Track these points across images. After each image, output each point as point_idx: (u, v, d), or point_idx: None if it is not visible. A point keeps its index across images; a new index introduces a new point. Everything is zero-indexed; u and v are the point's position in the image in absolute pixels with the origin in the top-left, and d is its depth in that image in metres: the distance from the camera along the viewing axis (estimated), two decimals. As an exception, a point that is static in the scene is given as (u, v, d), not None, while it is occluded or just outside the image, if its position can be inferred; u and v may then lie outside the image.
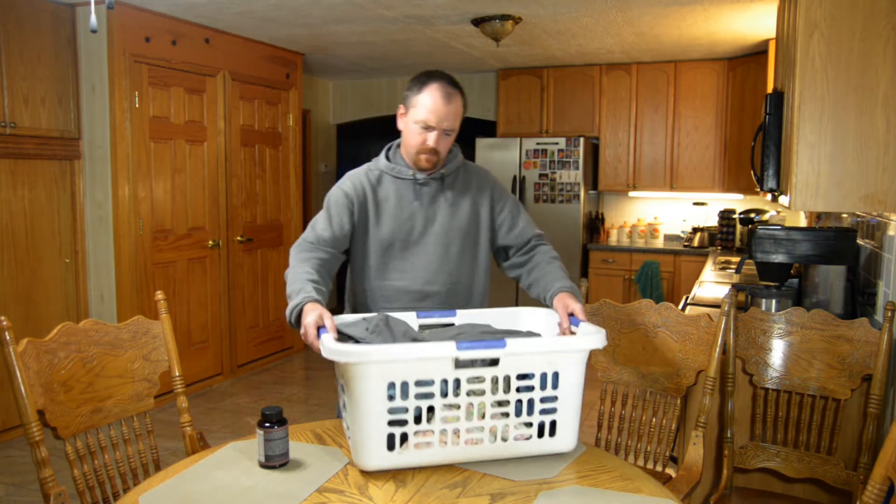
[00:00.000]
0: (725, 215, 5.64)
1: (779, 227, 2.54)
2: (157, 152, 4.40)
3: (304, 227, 5.85)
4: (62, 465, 1.98)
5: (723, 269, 4.46)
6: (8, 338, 1.57)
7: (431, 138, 1.89)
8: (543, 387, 1.53)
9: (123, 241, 4.20)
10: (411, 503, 1.39)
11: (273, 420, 1.53)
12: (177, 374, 1.97)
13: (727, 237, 5.62)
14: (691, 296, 3.41)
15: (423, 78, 1.91)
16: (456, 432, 1.52)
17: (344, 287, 2.12)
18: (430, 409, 1.50)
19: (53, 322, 2.31)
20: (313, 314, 1.63)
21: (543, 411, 1.55)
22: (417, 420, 1.50)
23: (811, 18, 2.06)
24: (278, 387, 4.98)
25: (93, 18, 2.01)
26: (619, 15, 4.27)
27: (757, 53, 5.27)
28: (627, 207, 6.40)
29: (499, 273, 2.11)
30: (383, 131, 8.46)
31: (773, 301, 2.55)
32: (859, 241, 2.71)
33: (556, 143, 5.92)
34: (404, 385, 1.46)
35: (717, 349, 1.97)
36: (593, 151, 6.18)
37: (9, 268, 3.88)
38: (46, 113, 3.97)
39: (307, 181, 6.82)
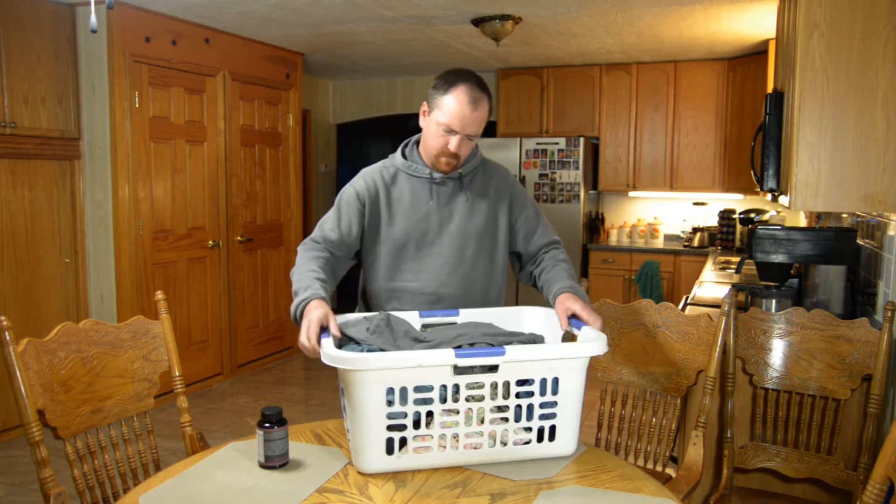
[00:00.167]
0: (725, 215, 5.64)
1: (779, 227, 2.54)
2: (157, 152, 4.40)
3: (304, 227, 5.84)
4: (62, 465, 1.98)
5: (723, 269, 4.46)
6: (8, 338, 1.56)
7: (454, 143, 1.83)
8: (543, 392, 1.53)
9: (123, 241, 4.20)
10: (411, 503, 1.39)
11: (273, 420, 1.53)
12: (177, 374, 1.97)
13: (727, 237, 5.62)
14: (691, 296, 3.41)
15: (452, 78, 1.84)
16: (455, 437, 1.52)
17: (350, 289, 2.10)
18: (430, 414, 1.50)
19: (53, 322, 2.31)
20: (318, 311, 1.61)
21: (543, 416, 1.55)
22: (417, 425, 1.49)
23: (811, 18, 2.06)
24: (278, 387, 4.98)
25: (93, 18, 2.00)
26: (619, 15, 4.27)
27: (757, 53, 5.27)
28: (627, 207, 6.40)
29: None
30: (383, 131, 8.52)
31: (773, 301, 2.55)
32: (859, 241, 2.71)
33: (556, 143, 5.92)
34: (403, 391, 1.45)
35: (717, 349, 1.97)
36: (593, 151, 6.18)
37: (9, 268, 3.88)
38: (46, 113, 3.97)
39: (307, 181, 6.82)
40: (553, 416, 1.55)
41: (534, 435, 1.56)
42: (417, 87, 6.87)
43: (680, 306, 2.89)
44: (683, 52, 5.45)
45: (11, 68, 3.76)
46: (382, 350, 1.67)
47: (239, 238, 5.13)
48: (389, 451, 1.48)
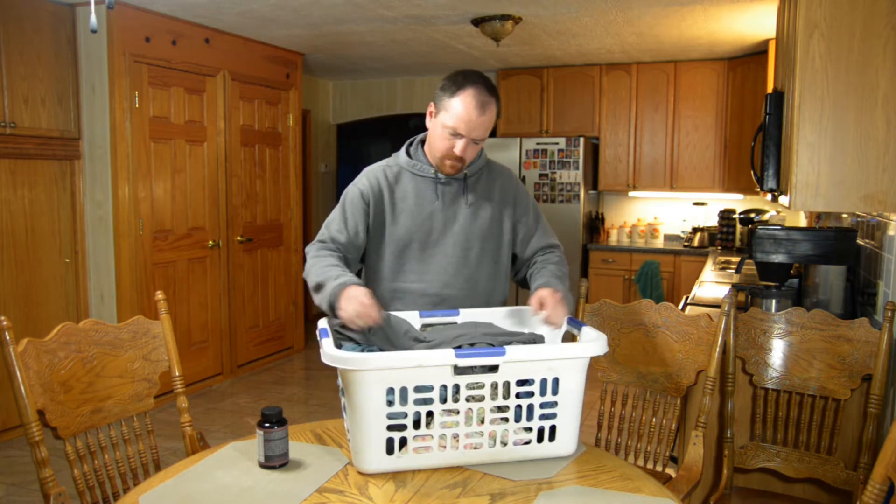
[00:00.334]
0: (725, 215, 5.64)
1: (779, 227, 2.54)
2: (157, 152, 4.40)
3: (304, 227, 5.83)
4: (62, 465, 1.98)
5: (723, 269, 4.46)
6: (8, 338, 1.56)
7: (459, 147, 1.82)
8: (543, 392, 1.53)
9: (123, 241, 4.20)
10: (411, 503, 1.39)
11: (273, 420, 1.53)
12: (177, 374, 1.97)
13: (727, 237, 5.62)
14: (691, 296, 3.41)
15: (460, 80, 1.81)
16: (455, 437, 1.52)
17: None
18: (430, 414, 1.50)
19: (53, 322, 2.31)
20: (368, 296, 1.62)
21: (543, 416, 1.55)
22: (417, 425, 1.49)
23: (811, 18, 2.06)
24: (278, 387, 4.98)
25: (93, 18, 2.00)
26: (619, 15, 4.27)
27: (757, 53, 5.27)
28: (627, 207, 6.40)
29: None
30: (383, 131, 8.51)
31: (773, 301, 2.55)
32: (859, 241, 2.71)
33: (556, 143, 5.92)
34: (403, 391, 1.45)
35: (717, 349, 1.97)
36: (593, 151, 6.18)
37: (9, 268, 3.88)
38: (46, 113, 3.97)
39: (307, 181, 6.82)
40: (553, 416, 1.55)
41: (534, 435, 1.56)
42: (417, 87, 6.87)
43: (680, 306, 2.89)
44: (683, 52, 5.45)
45: (11, 68, 3.76)
46: (382, 350, 1.67)
47: (239, 238, 5.13)
48: (389, 451, 1.48)
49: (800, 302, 2.65)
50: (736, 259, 4.89)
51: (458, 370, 1.46)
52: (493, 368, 1.49)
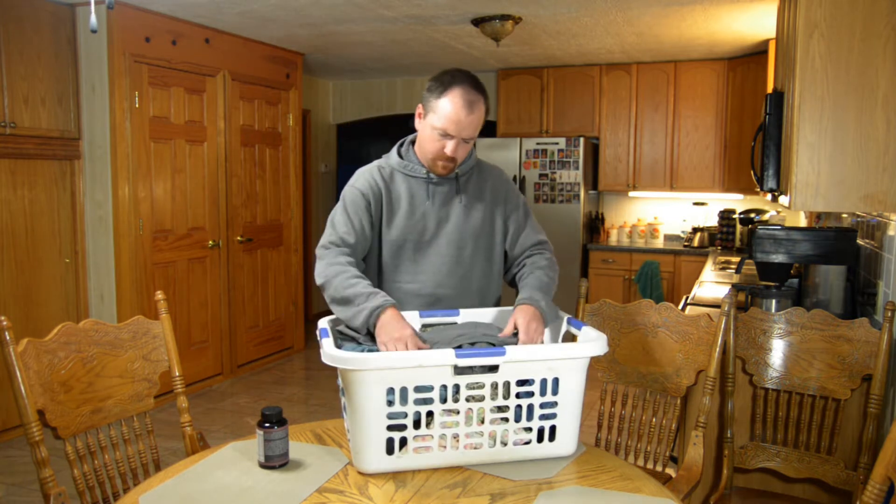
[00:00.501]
0: (725, 215, 5.64)
1: (779, 227, 2.54)
2: (157, 152, 4.40)
3: (304, 227, 5.82)
4: (62, 465, 1.98)
5: (723, 269, 4.46)
6: (8, 338, 1.57)
7: (450, 147, 1.82)
8: (543, 392, 1.53)
9: (123, 241, 4.20)
10: (411, 503, 1.39)
11: (273, 420, 1.53)
12: (177, 374, 1.97)
13: (727, 237, 5.62)
14: (691, 296, 3.41)
15: (446, 80, 1.81)
16: (455, 437, 1.52)
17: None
18: (430, 414, 1.50)
19: (53, 322, 2.31)
20: (406, 326, 1.63)
21: (543, 416, 1.55)
22: (417, 425, 1.50)
23: (811, 18, 2.06)
24: (278, 387, 4.98)
25: (93, 18, 2.00)
26: (619, 15, 4.27)
27: (757, 53, 5.27)
28: (627, 207, 6.40)
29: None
30: (383, 131, 8.52)
31: (773, 301, 2.55)
32: (859, 241, 2.71)
33: (556, 143, 5.92)
34: (403, 391, 1.46)
35: (717, 349, 1.97)
36: (593, 151, 6.18)
37: (9, 268, 3.88)
38: (46, 113, 3.97)
39: (307, 181, 6.82)
40: (553, 416, 1.55)
41: (534, 435, 1.56)
42: (417, 87, 6.87)
43: (680, 306, 2.89)
44: (683, 52, 5.45)
45: (11, 68, 3.76)
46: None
47: (239, 238, 5.13)
48: (389, 451, 1.48)
49: (800, 302, 2.65)
50: (736, 259, 4.89)
51: (458, 370, 1.47)
52: (493, 368, 1.49)
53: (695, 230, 5.89)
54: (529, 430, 1.56)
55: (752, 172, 2.97)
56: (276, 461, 1.53)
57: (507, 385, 1.51)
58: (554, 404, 1.55)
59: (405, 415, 1.47)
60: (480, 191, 1.97)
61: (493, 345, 1.77)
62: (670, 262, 5.77)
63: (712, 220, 6.00)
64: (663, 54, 5.58)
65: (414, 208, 1.91)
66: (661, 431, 2.10)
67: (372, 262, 1.94)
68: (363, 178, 1.94)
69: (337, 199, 1.98)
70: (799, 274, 2.82)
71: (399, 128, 7.87)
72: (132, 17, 4.15)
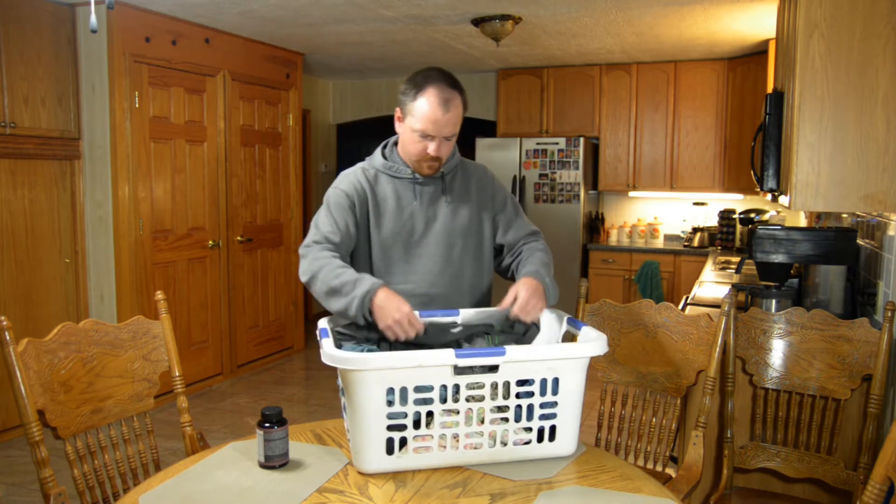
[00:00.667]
0: (725, 215, 5.64)
1: (779, 227, 2.54)
2: (157, 152, 4.40)
3: (304, 227, 5.81)
4: (62, 465, 1.98)
5: (723, 269, 4.46)
6: (8, 338, 1.56)
7: (432, 147, 1.82)
8: (543, 392, 1.53)
9: (123, 241, 4.20)
10: (411, 503, 1.39)
11: (273, 420, 1.53)
12: (177, 374, 1.97)
13: (727, 237, 5.62)
14: (691, 296, 3.41)
15: (419, 80, 1.81)
16: (455, 437, 1.52)
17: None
18: (430, 414, 1.50)
19: (53, 322, 2.31)
20: (403, 302, 1.63)
21: (543, 416, 1.55)
22: (417, 425, 1.49)
23: (811, 18, 2.06)
24: (278, 387, 4.98)
25: (93, 18, 2.00)
26: (619, 15, 4.27)
27: (757, 53, 5.27)
28: (627, 207, 6.40)
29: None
30: (383, 131, 8.49)
31: (773, 301, 2.55)
32: (859, 241, 2.71)
33: (556, 143, 5.92)
34: (403, 391, 1.45)
35: (717, 349, 1.97)
36: (593, 151, 6.18)
37: (9, 268, 3.88)
38: (46, 113, 3.97)
39: (307, 181, 6.82)
40: (553, 416, 1.55)
41: (534, 435, 1.56)
42: (417, 87, 6.86)
43: (680, 306, 2.89)
44: (683, 52, 5.45)
45: (11, 68, 3.76)
46: (380, 346, 1.68)
47: (239, 238, 5.13)
48: (389, 451, 1.48)
49: (800, 302, 2.65)
50: (736, 259, 4.89)
51: (458, 370, 1.47)
52: (493, 368, 1.49)
53: (695, 230, 5.89)
54: (529, 430, 1.56)
55: (752, 172, 2.97)
56: (276, 461, 1.53)
57: (507, 385, 1.51)
58: (554, 404, 1.55)
59: (405, 415, 1.47)
60: (466, 189, 1.98)
61: (492, 326, 1.76)
62: (670, 262, 5.77)
63: (712, 220, 6.00)
64: (663, 54, 5.58)
65: (401, 209, 1.91)
66: (661, 431, 2.10)
67: (363, 265, 1.93)
68: (347, 179, 1.94)
69: None
70: (799, 274, 2.82)
71: (399, 128, 7.88)
72: (132, 17, 4.15)
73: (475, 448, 1.53)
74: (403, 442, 1.50)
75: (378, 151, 1.98)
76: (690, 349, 2.05)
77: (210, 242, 4.86)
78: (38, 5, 3.90)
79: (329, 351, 1.46)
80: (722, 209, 5.70)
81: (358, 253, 1.94)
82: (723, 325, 1.98)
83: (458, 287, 1.95)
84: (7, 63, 3.74)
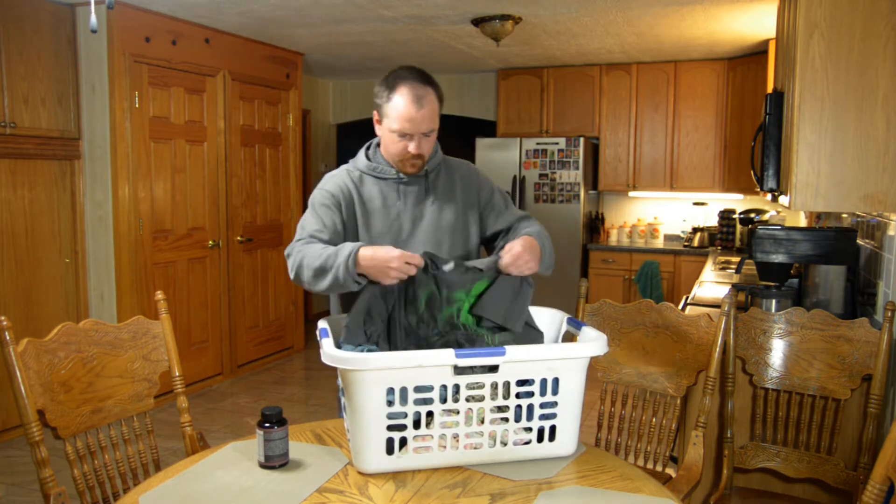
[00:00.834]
0: (725, 215, 5.64)
1: (779, 227, 2.54)
2: (157, 152, 4.40)
3: (304, 227, 5.61)
4: (62, 465, 1.98)
5: (723, 269, 4.46)
6: (8, 338, 1.57)
7: (412, 146, 1.83)
8: (543, 392, 1.53)
9: (123, 241, 4.20)
10: (411, 503, 1.39)
11: (273, 420, 1.53)
12: (177, 374, 1.97)
13: (727, 237, 5.62)
14: (691, 296, 3.41)
15: (391, 81, 1.82)
16: (455, 437, 1.52)
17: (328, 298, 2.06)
18: (430, 414, 1.50)
19: (53, 322, 2.31)
20: (393, 249, 1.61)
21: (543, 416, 1.55)
22: (417, 425, 1.50)
23: (811, 18, 2.06)
24: (278, 387, 4.98)
25: (93, 18, 2.00)
26: (619, 15, 4.27)
27: (757, 53, 5.27)
28: (627, 207, 6.40)
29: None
30: (383, 131, 8.52)
31: (773, 301, 2.55)
32: (859, 241, 2.71)
33: (556, 143, 5.92)
34: (403, 391, 1.46)
35: (717, 349, 1.97)
36: (593, 151, 6.18)
37: (9, 268, 3.88)
38: (46, 113, 3.97)
39: (307, 181, 6.81)
40: (553, 416, 1.55)
41: (534, 435, 1.56)
42: (417, 87, 6.86)
43: (680, 306, 2.89)
44: (683, 52, 5.45)
45: (11, 68, 3.76)
46: (380, 345, 1.67)
47: (239, 238, 5.13)
48: (389, 451, 1.48)
49: (800, 302, 2.65)
50: (736, 259, 4.89)
51: (458, 370, 1.47)
52: (493, 368, 1.49)
53: (695, 230, 5.89)
54: (529, 430, 1.56)
55: (752, 172, 2.97)
56: (276, 461, 1.53)
57: (507, 385, 1.51)
58: (554, 404, 1.55)
59: (405, 415, 1.47)
60: (451, 187, 1.98)
61: (481, 270, 1.71)
62: (670, 262, 5.77)
63: (712, 220, 6.00)
64: (663, 54, 5.58)
65: (388, 209, 1.92)
66: (661, 431, 2.10)
67: None
68: (332, 181, 1.95)
69: None
70: (799, 274, 2.82)
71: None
72: (132, 17, 4.14)
73: (475, 448, 1.53)
74: (403, 442, 1.50)
75: (362, 153, 1.98)
76: (690, 349, 2.05)
77: (210, 242, 4.86)
78: (38, 5, 3.90)
79: (329, 351, 1.46)
80: (722, 209, 5.70)
81: None
82: (723, 325, 1.98)
83: None
84: (7, 63, 3.74)
